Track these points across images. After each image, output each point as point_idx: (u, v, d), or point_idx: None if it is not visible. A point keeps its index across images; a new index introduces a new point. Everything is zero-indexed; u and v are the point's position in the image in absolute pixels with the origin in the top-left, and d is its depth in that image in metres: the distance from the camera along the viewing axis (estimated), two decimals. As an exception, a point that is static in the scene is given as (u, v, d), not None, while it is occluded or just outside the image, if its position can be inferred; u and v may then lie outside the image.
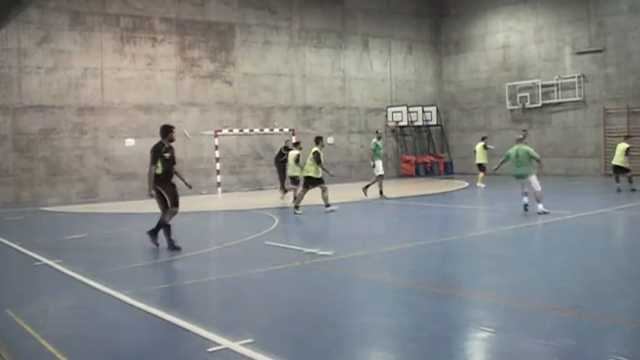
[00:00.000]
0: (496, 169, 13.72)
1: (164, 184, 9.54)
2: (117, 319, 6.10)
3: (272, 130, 23.42)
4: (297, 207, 14.08)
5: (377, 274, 7.82)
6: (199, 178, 22.07)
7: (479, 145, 20.17)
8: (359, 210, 15.82)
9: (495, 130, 26.53)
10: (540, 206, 12.25)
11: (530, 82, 25.50)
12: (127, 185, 20.89)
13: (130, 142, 20.87)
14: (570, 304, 5.99)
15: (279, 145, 23.78)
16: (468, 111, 28.38)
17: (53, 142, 19.74)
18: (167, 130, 9.69)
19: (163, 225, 9.61)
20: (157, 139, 9.69)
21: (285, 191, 18.00)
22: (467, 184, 21.49)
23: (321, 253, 8.85)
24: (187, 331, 5.38)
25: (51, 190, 19.72)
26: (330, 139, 25.62)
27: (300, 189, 14.86)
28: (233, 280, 7.69)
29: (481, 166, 19.83)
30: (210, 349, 4.85)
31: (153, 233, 9.72)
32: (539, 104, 25.25)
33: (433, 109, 28.04)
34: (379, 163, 17.07)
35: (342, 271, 8.02)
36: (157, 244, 9.66)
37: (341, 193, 20.13)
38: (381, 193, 16.98)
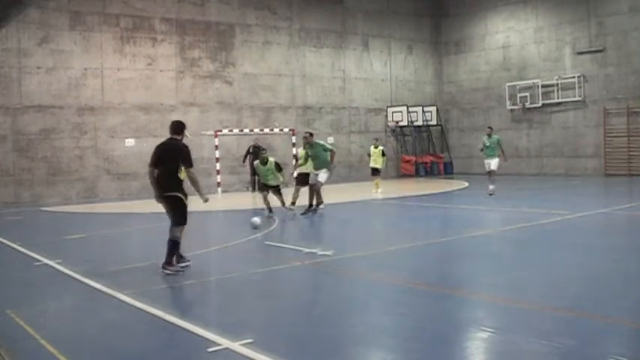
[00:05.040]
0: None
1: None
2: (117, 319, 6.10)
3: (272, 130, 23.43)
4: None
5: (377, 274, 7.82)
6: (199, 178, 22.01)
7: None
8: (358, 210, 15.83)
9: (495, 131, 26.46)
10: None
11: (530, 82, 25.48)
12: (127, 185, 20.88)
13: (130, 142, 20.87)
14: (570, 304, 5.99)
15: (279, 146, 23.87)
16: (468, 111, 28.37)
17: (53, 142, 19.73)
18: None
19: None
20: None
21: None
22: (467, 184, 21.49)
23: (321, 253, 8.84)
24: (187, 331, 5.38)
25: (51, 190, 19.71)
26: (330, 139, 25.63)
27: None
28: (233, 280, 7.69)
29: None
30: (210, 349, 4.85)
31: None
32: (539, 104, 25.23)
33: (433, 109, 28.03)
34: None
35: (342, 271, 8.02)
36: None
37: (341, 192, 20.15)
38: None
